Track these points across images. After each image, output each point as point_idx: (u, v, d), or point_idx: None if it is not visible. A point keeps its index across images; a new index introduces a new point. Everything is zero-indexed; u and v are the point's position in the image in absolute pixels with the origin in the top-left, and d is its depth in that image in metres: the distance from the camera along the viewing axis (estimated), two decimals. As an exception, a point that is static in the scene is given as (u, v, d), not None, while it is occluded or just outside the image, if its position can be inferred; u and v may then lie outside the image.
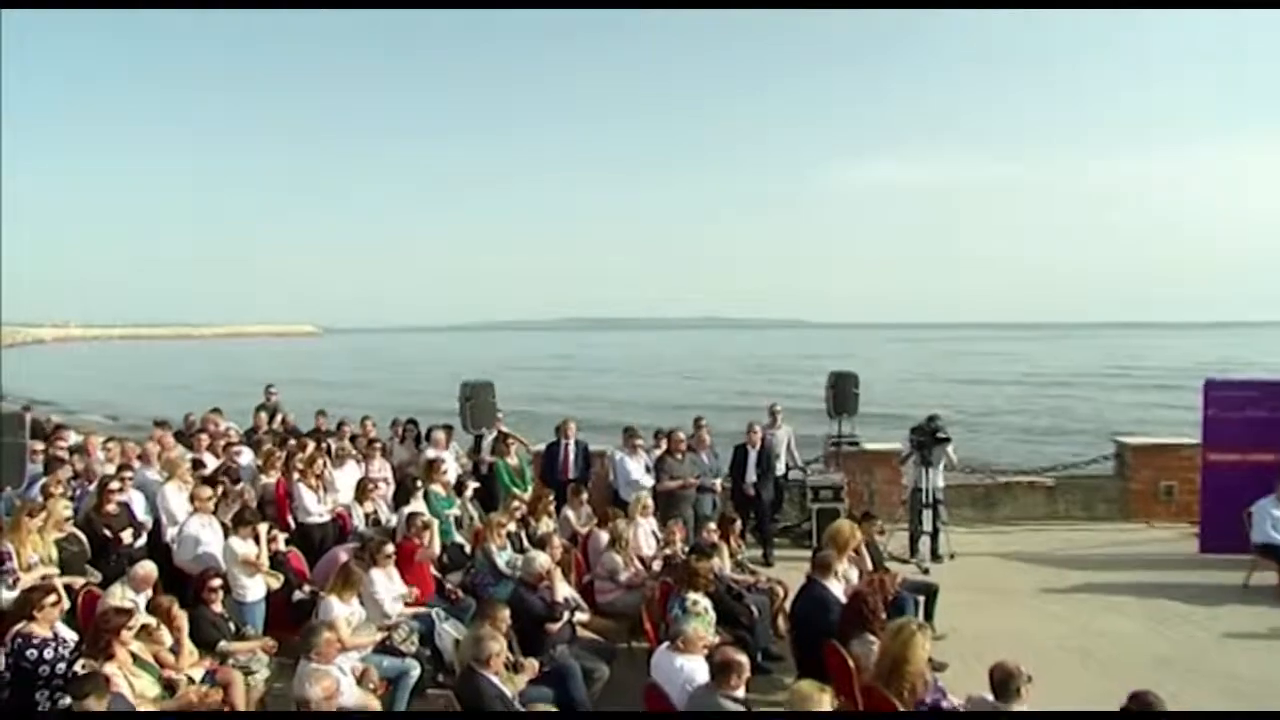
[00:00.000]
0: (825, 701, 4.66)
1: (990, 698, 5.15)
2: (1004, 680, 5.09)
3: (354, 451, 10.48)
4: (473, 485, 10.32)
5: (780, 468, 11.93)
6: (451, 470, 10.31)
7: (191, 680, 6.19)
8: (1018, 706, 5.04)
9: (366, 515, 9.12)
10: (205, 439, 10.15)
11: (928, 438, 10.98)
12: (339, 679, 5.37)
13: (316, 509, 9.07)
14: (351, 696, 5.51)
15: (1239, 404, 11.55)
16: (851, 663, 6.05)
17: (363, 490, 9.27)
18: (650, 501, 9.47)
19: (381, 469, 10.33)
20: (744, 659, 5.31)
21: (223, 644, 6.66)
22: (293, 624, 7.39)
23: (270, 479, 9.46)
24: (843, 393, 12.92)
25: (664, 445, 11.16)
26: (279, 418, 12.69)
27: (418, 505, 8.74)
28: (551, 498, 9.56)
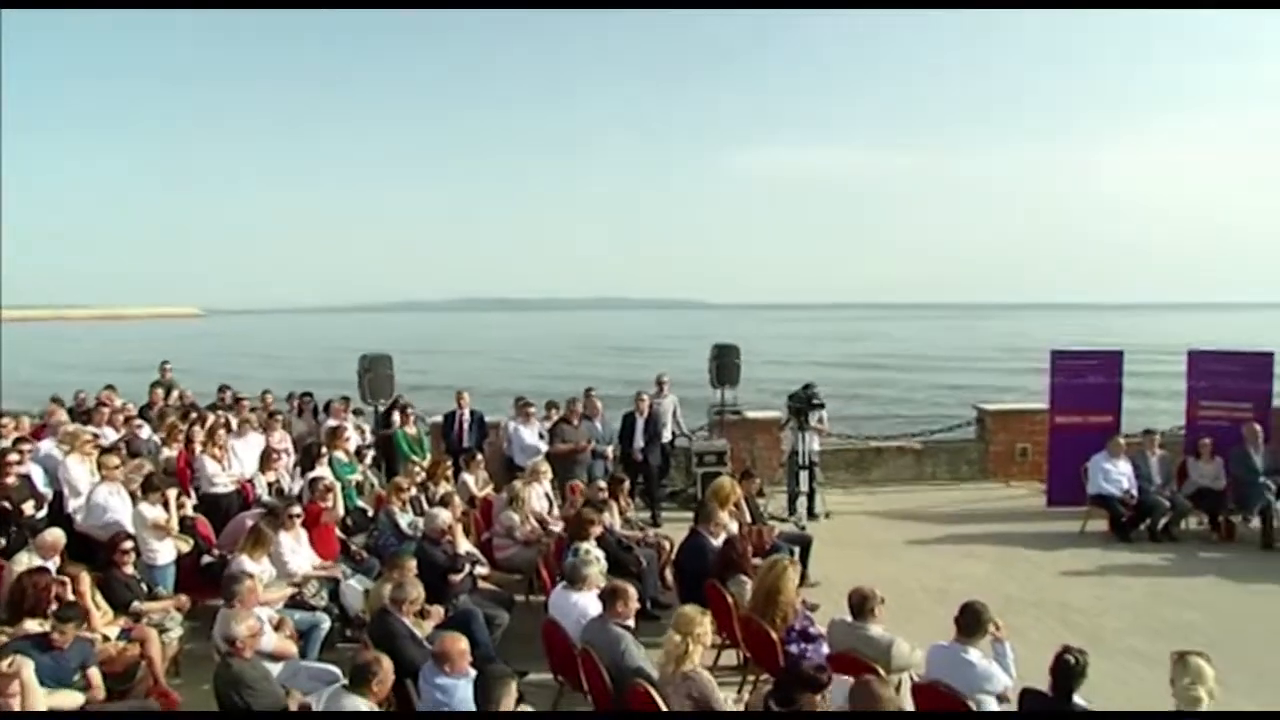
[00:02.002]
0: (705, 623, 5.28)
1: (849, 619, 5.85)
2: (860, 602, 5.81)
3: (255, 423, 10.70)
4: (371, 454, 10.69)
5: (667, 435, 12.48)
6: (352, 439, 10.64)
7: (107, 638, 6.45)
8: (873, 625, 5.75)
9: (270, 484, 9.39)
10: (106, 412, 10.26)
11: (803, 404, 11.75)
12: (263, 620, 5.76)
13: (221, 479, 9.30)
14: (270, 641, 5.88)
15: (1081, 372, 12.71)
16: (730, 599, 6.72)
17: (266, 460, 9.54)
18: (545, 465, 9.99)
19: (282, 440, 10.56)
20: (630, 588, 5.91)
21: (136, 604, 6.92)
22: (202, 587, 7.72)
23: (172, 452, 9.64)
24: (725, 364, 13.56)
25: (554, 415, 11.73)
26: (175, 393, 12.77)
27: (322, 471, 9.08)
28: (449, 464, 9.99)
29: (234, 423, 10.43)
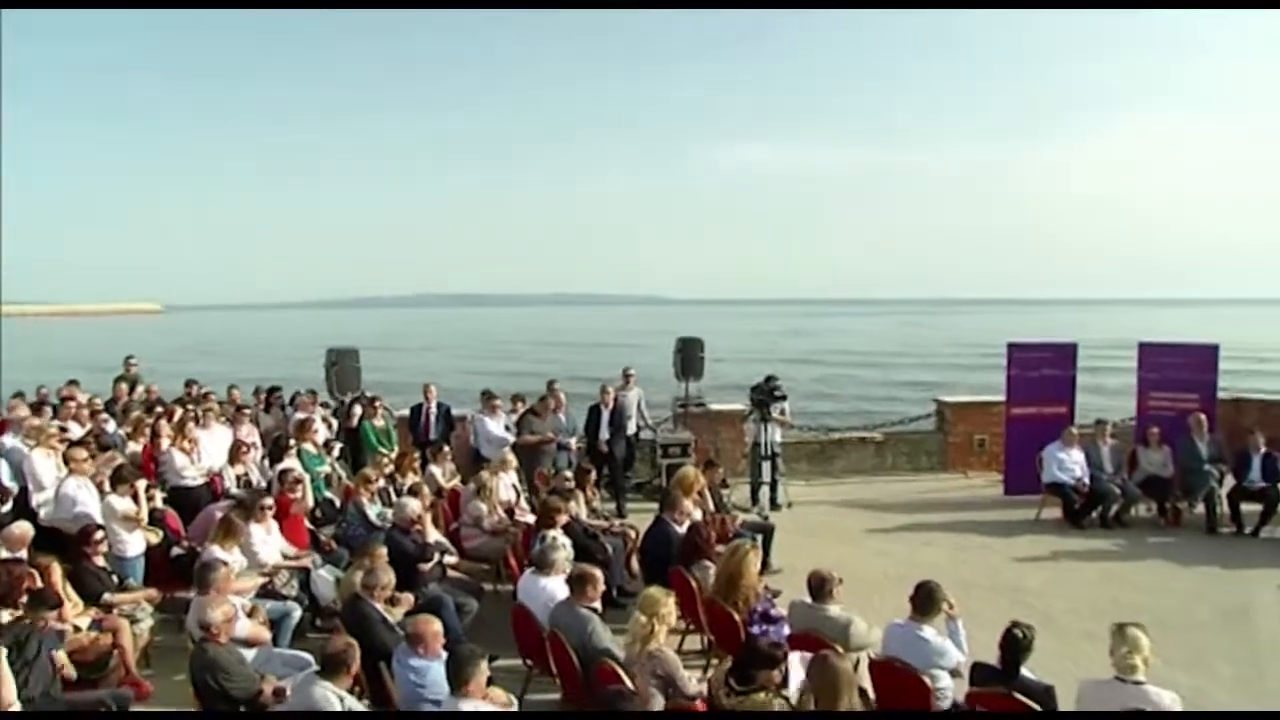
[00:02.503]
0: (670, 603, 5.46)
1: (809, 601, 6.05)
2: (819, 584, 6.02)
3: (222, 417, 10.73)
4: (339, 446, 10.77)
5: (632, 427, 12.63)
6: (320, 432, 10.70)
7: (78, 629, 6.51)
8: (831, 606, 5.95)
9: (238, 477, 9.46)
10: (72, 407, 10.27)
11: (765, 396, 11.96)
12: (237, 607, 5.86)
13: (189, 472, 9.36)
14: (244, 628, 5.98)
15: (1036, 364, 13.04)
16: (694, 584, 6.90)
17: (235, 453, 9.61)
18: (511, 456, 10.13)
19: (250, 434, 10.63)
20: (597, 572, 6.08)
21: (107, 595, 6.98)
22: (171, 578, 7.79)
23: (138, 446, 9.67)
24: (689, 357, 13.77)
25: (519, 408, 11.90)
26: (140, 388, 12.76)
27: (290, 463, 9.16)
28: (417, 456, 10.11)
29: (201, 416, 10.47)
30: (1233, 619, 8.06)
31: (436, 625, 5.20)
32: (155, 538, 8.00)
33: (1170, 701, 4.61)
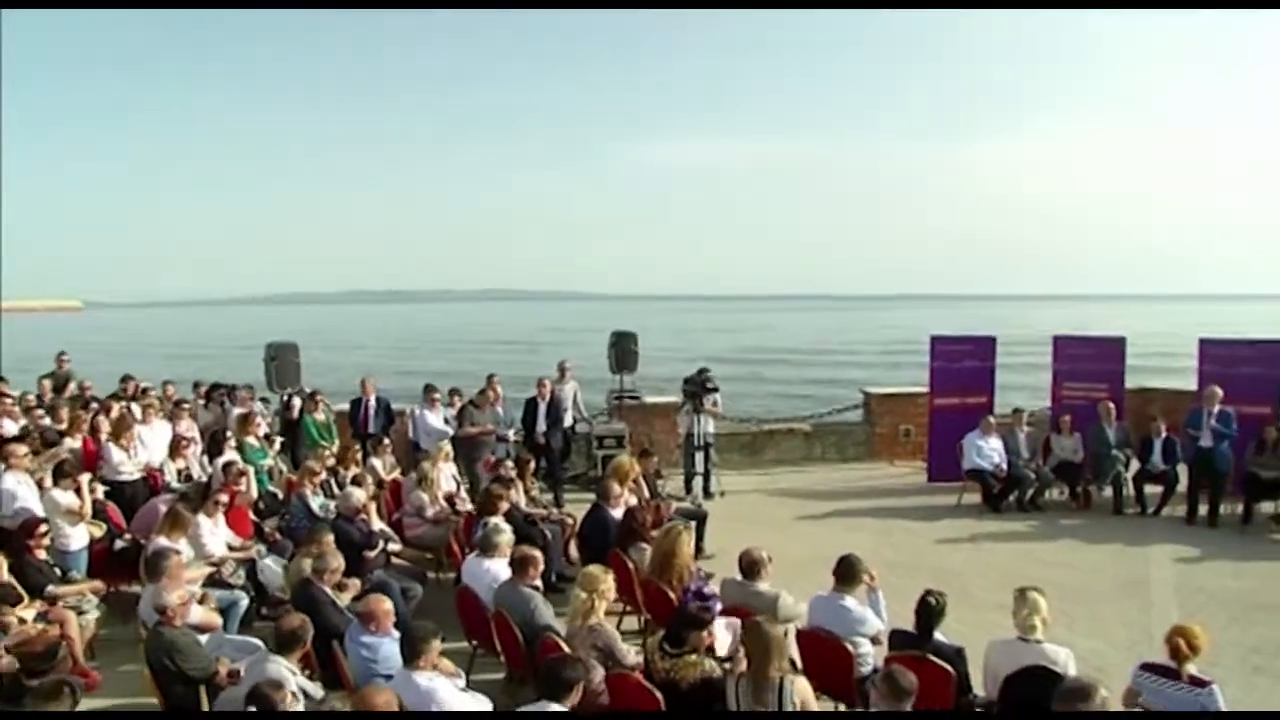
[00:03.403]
0: (609, 580, 5.79)
1: (740, 578, 6.41)
2: (750, 564, 6.39)
3: (161, 412, 10.77)
4: (279, 440, 10.90)
5: (568, 419, 12.91)
6: (261, 426, 10.79)
7: (23, 621, 6.59)
8: (762, 584, 6.31)
9: (179, 471, 9.56)
10: (8, 403, 10.23)
11: (698, 388, 12.35)
12: (190, 593, 6.02)
13: (127, 468, 9.40)
14: (197, 614, 6.15)
15: (958, 356, 13.61)
16: (631, 565, 7.22)
17: (175, 448, 9.70)
18: (450, 448, 10.36)
19: (190, 429, 10.67)
20: (538, 554, 6.40)
21: (51, 587, 7.06)
22: (115, 571, 7.89)
23: (75, 442, 9.68)
24: (623, 350, 14.11)
25: (456, 401, 12.16)
26: (72, 385, 12.69)
27: (231, 456, 9.30)
28: (358, 448, 10.29)
29: (139, 412, 10.49)
30: (1131, 590, 8.69)
31: (388, 604, 5.46)
32: (99, 531, 8.08)
33: (1065, 658, 5.05)
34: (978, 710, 5.36)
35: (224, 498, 8.12)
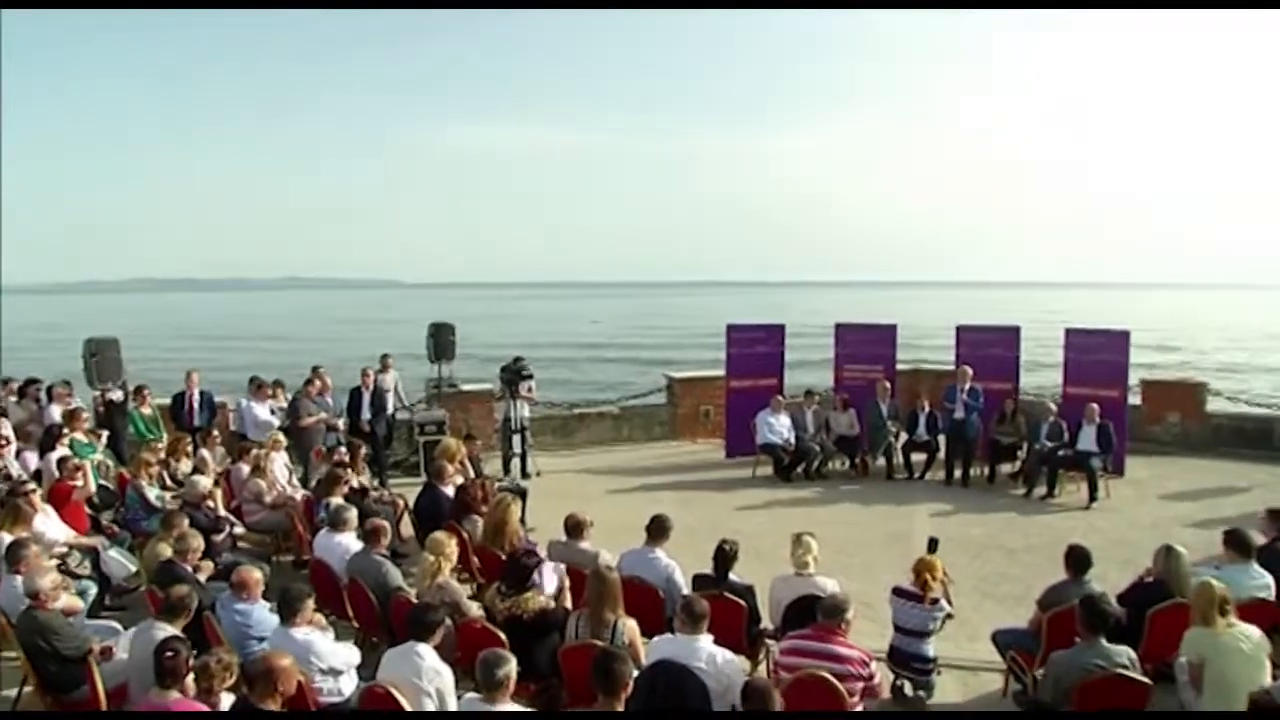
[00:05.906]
0: (452, 544, 6.63)
1: (564, 539, 7.35)
2: (574, 525, 7.39)
3: None
4: (105, 434, 11.01)
5: (390, 407, 13.49)
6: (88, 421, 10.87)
7: None
8: (584, 543, 7.28)
9: (-4, 470, 9.56)
10: None
11: (514, 375, 13.22)
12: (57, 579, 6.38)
13: (-67, 468, 9.35)
14: (62, 600, 6.49)
15: (751, 343, 14.98)
16: (464, 535, 8.04)
17: (-10, 447, 9.68)
18: (283, 437, 10.87)
19: (2, 426, 10.60)
20: (385, 524, 7.17)
21: None
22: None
23: None
24: (441, 340, 14.74)
25: (279, 394, 12.63)
26: None
27: (64, 451, 9.45)
28: (189, 440, 10.58)
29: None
30: (894, 541, 10.24)
31: (258, 574, 6.10)
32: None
33: (833, 587, 6.25)
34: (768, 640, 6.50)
35: (34, 489, 8.18)
